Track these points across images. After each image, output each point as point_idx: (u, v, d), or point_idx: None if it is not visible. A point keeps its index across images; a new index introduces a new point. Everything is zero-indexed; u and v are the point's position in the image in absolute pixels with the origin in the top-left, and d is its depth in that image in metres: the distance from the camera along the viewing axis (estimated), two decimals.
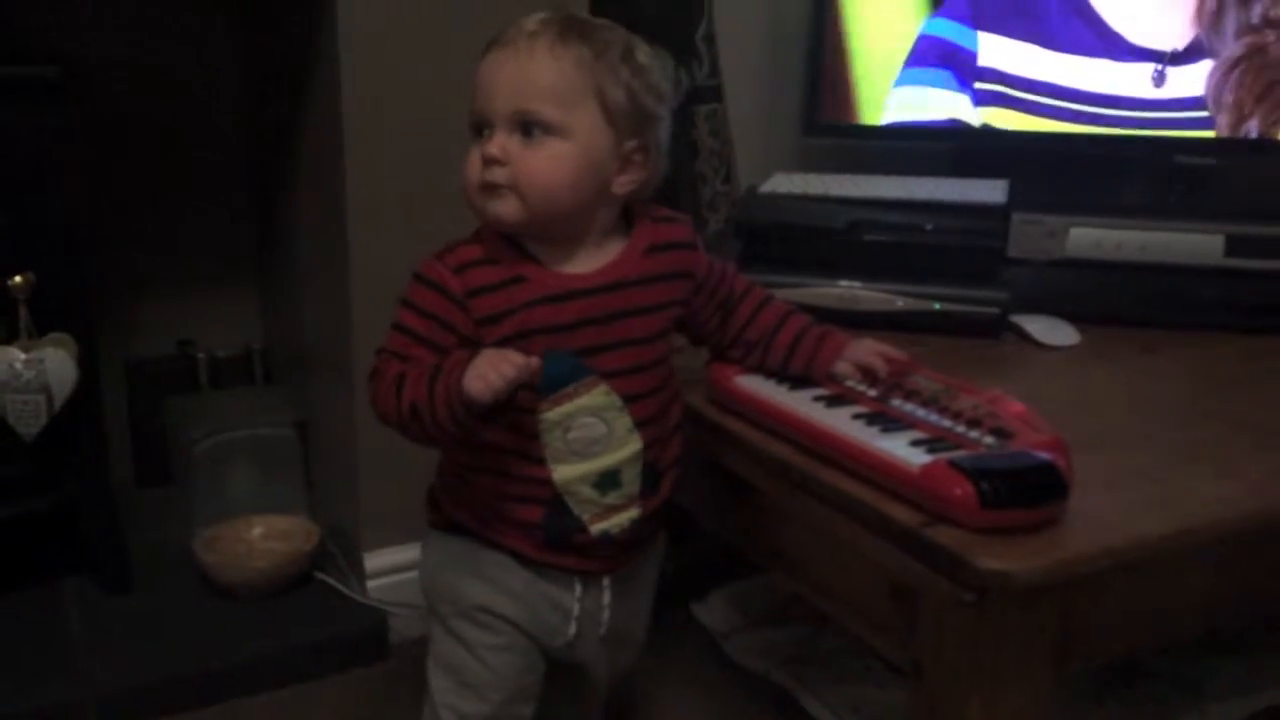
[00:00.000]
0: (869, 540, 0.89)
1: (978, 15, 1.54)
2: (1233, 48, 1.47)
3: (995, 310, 1.32)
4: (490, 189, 0.93)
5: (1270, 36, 1.45)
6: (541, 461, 0.96)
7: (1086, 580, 0.84)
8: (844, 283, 1.32)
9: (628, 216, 1.00)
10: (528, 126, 0.91)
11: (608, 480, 0.96)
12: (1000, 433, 0.89)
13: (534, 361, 0.89)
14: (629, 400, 0.96)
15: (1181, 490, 0.92)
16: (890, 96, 1.59)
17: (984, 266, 1.35)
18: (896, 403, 0.98)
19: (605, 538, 0.98)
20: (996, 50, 1.55)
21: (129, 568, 1.52)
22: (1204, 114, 1.49)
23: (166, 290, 1.79)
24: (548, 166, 0.91)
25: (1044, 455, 0.85)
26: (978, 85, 1.56)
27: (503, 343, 0.92)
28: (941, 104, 1.58)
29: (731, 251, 1.37)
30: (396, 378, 0.92)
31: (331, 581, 1.55)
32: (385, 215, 1.41)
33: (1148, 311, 1.38)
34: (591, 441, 0.95)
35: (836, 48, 1.59)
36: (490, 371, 0.87)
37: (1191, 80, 1.49)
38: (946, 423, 0.92)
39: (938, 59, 1.56)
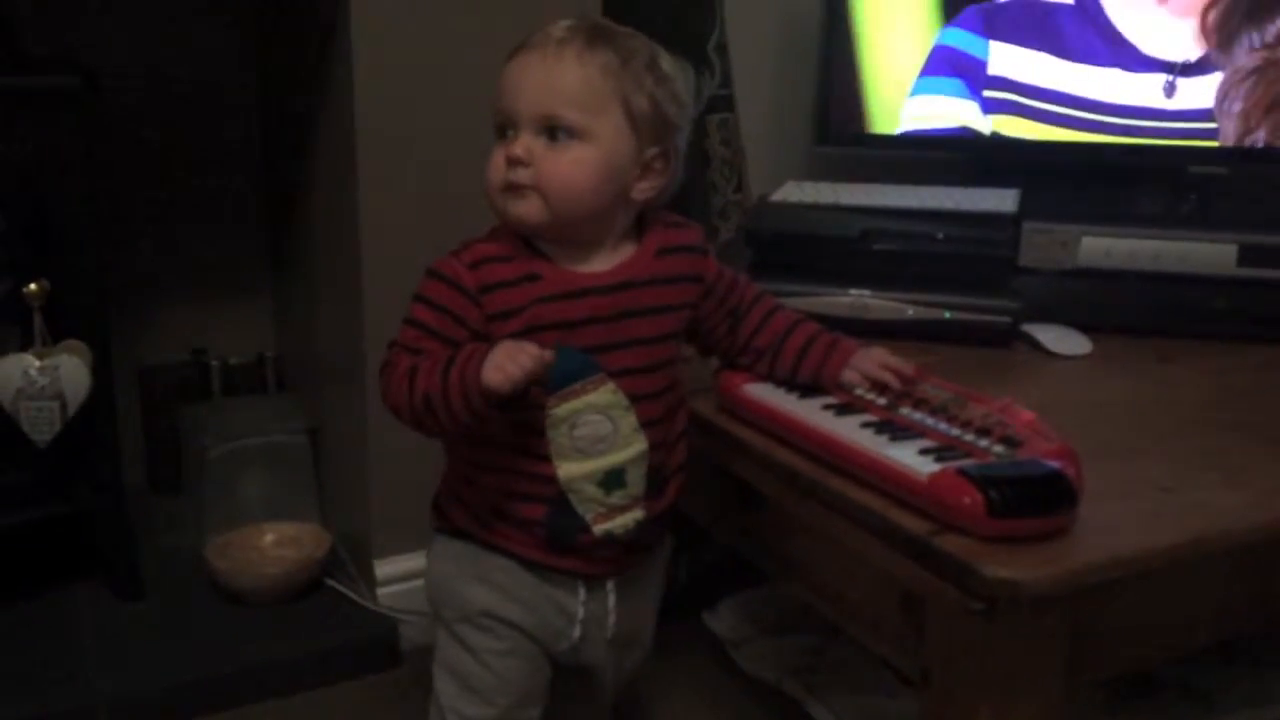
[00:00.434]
0: (878, 549, 0.89)
1: (991, 25, 1.55)
2: (1244, 60, 1.47)
3: (1006, 319, 1.31)
4: (514, 189, 0.94)
5: None
6: (546, 458, 0.95)
7: (1096, 590, 0.83)
8: (854, 291, 1.32)
9: (639, 221, 1.01)
10: (553, 130, 0.92)
11: (612, 479, 0.96)
12: (1009, 441, 0.88)
13: (549, 354, 0.90)
14: (635, 400, 0.96)
15: (1192, 500, 0.92)
16: (905, 106, 1.59)
17: (995, 275, 1.35)
18: (905, 411, 0.97)
19: (609, 538, 0.98)
20: (1008, 59, 1.55)
21: (141, 574, 1.53)
22: (1215, 125, 1.49)
23: (180, 298, 1.81)
24: (571, 170, 0.92)
25: (1053, 464, 0.85)
26: (987, 94, 1.56)
27: (513, 338, 0.92)
28: (953, 113, 1.58)
29: (743, 260, 1.37)
30: (409, 370, 0.93)
31: (342, 588, 1.55)
32: (397, 223, 1.42)
33: (1160, 321, 1.38)
34: (597, 439, 0.95)
35: (848, 58, 1.59)
36: (508, 363, 0.88)
37: (1203, 91, 1.49)
38: (955, 431, 0.92)
39: (951, 69, 1.56)
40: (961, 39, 1.55)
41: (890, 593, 0.92)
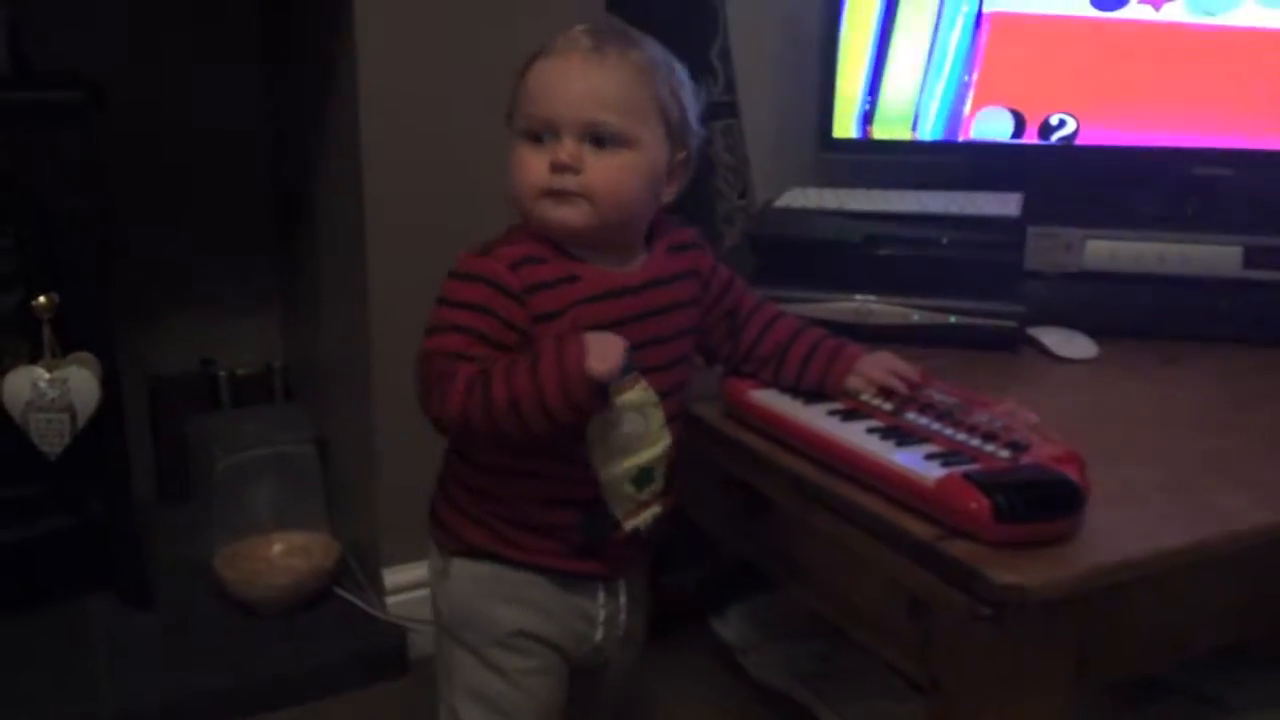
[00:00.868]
0: (885, 554, 0.89)
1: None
2: None
3: (1011, 323, 1.31)
4: (558, 195, 0.93)
5: None
6: (580, 462, 0.95)
7: (1104, 594, 0.83)
8: (859, 296, 1.32)
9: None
10: (600, 137, 0.92)
11: (644, 476, 0.97)
12: (1016, 446, 0.88)
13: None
14: (660, 397, 0.97)
15: (1200, 502, 0.92)
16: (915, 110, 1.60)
17: (1000, 279, 1.35)
18: (911, 416, 0.97)
19: (635, 534, 0.99)
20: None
21: (150, 584, 1.54)
22: (1220, 124, 1.49)
23: (188, 309, 1.81)
24: (621, 176, 0.92)
25: (1059, 468, 0.85)
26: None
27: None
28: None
29: (747, 265, 1.37)
30: (477, 376, 0.89)
31: (351, 597, 1.55)
32: (403, 234, 1.43)
33: (1166, 324, 1.37)
34: (635, 437, 0.96)
35: (850, 63, 1.60)
36: (609, 353, 0.88)
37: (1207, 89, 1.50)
38: (961, 436, 0.92)
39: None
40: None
41: (897, 598, 0.91)
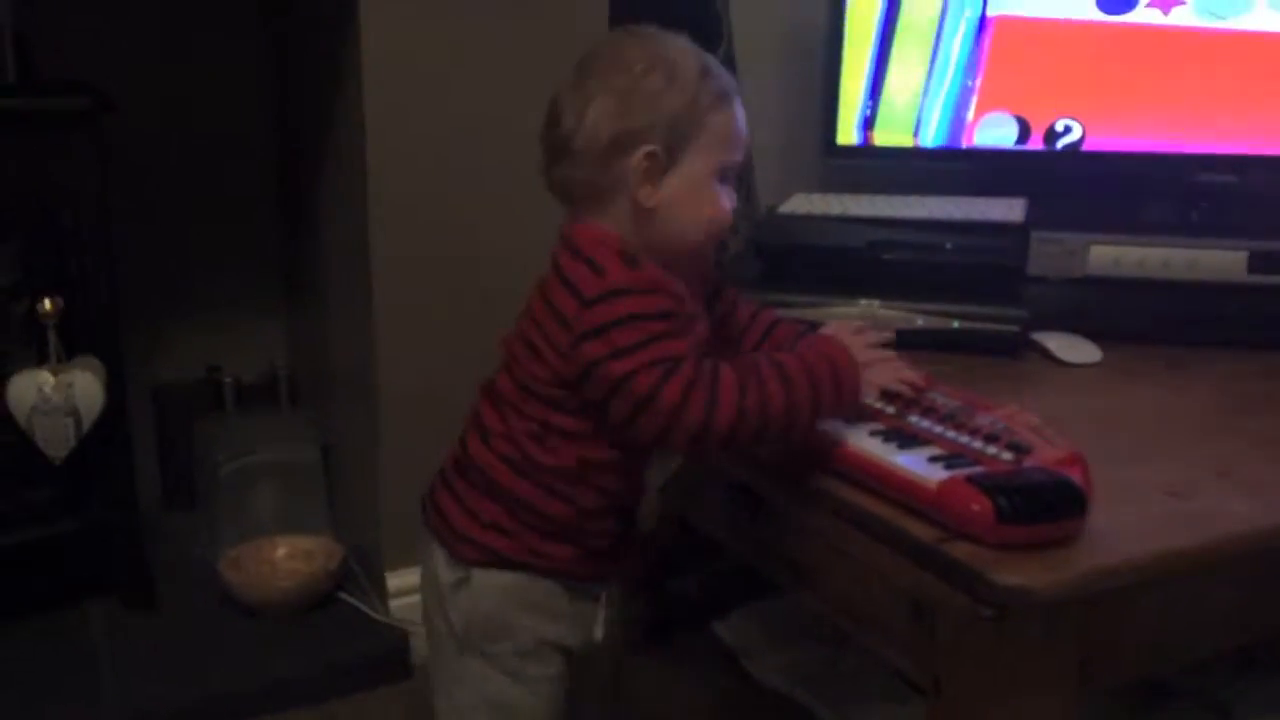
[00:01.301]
0: (887, 557, 0.89)
1: None
2: None
3: (1015, 328, 1.31)
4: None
5: None
6: (635, 474, 0.98)
7: (1107, 596, 0.83)
8: (864, 301, 1.32)
9: None
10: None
11: (666, 484, 1.03)
12: (1018, 448, 0.88)
13: None
14: None
15: (1204, 506, 0.91)
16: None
17: (1004, 284, 1.35)
18: (914, 419, 0.97)
19: (644, 533, 1.02)
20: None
21: (155, 588, 1.54)
22: (1226, 130, 1.49)
23: (194, 315, 1.82)
24: None
25: (1062, 470, 0.85)
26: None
27: None
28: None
29: (752, 271, 1.37)
30: (746, 377, 0.89)
31: (354, 601, 1.56)
32: (408, 242, 1.43)
33: (1170, 329, 1.37)
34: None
35: (856, 72, 1.60)
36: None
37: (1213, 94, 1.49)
38: (964, 439, 0.92)
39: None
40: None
41: (900, 600, 0.91)
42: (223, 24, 1.73)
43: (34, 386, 1.36)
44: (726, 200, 0.97)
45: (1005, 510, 0.81)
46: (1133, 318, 1.38)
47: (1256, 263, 1.36)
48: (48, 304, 1.39)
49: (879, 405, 1.01)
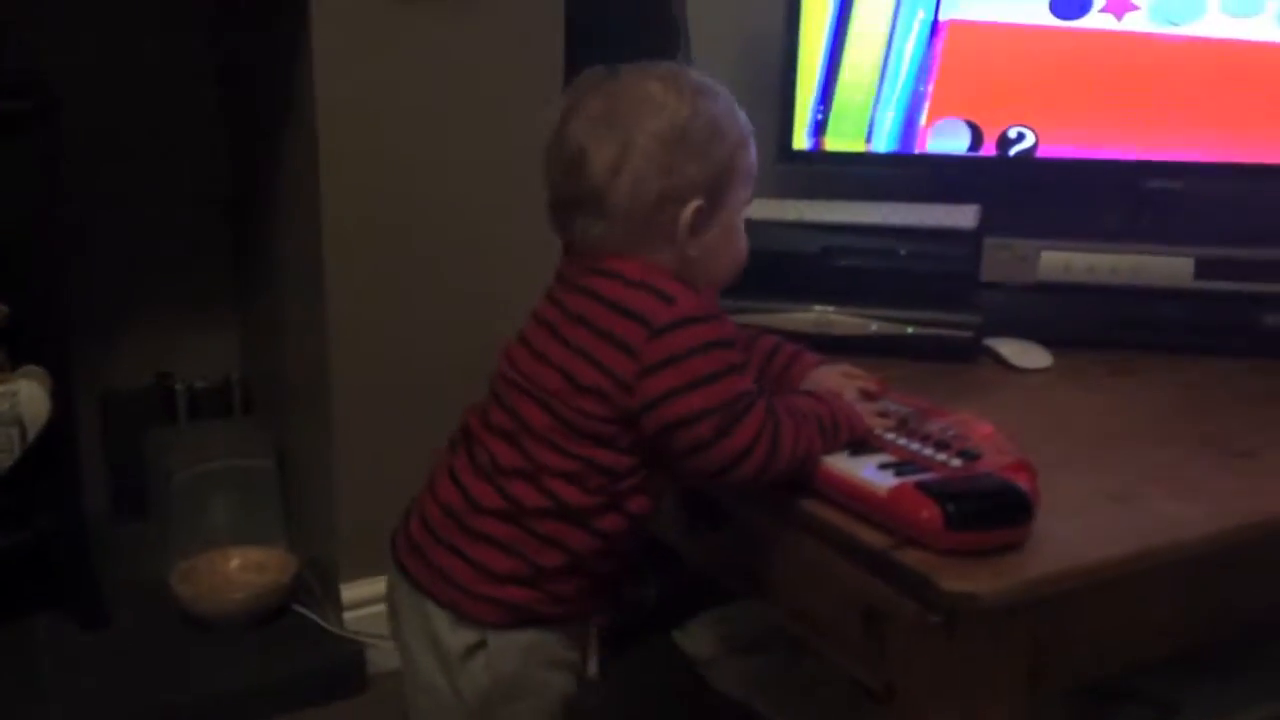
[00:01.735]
0: (839, 564, 0.89)
1: None
2: None
3: (968, 334, 1.32)
4: None
5: None
6: (655, 494, 0.96)
7: (1054, 601, 0.84)
8: (818, 307, 1.33)
9: None
10: None
11: None
12: (967, 455, 0.89)
13: None
14: None
15: (1147, 511, 0.93)
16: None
17: (957, 290, 1.36)
18: None
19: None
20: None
21: (104, 601, 1.52)
22: (1173, 137, 1.51)
23: (145, 321, 1.79)
24: None
25: (1009, 477, 0.85)
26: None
27: None
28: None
29: None
30: (799, 427, 0.91)
31: (309, 613, 1.54)
32: (362, 246, 1.42)
33: (1119, 334, 1.39)
34: None
35: (808, 75, 1.61)
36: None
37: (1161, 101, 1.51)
38: (915, 446, 0.93)
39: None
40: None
41: (853, 607, 0.91)
42: (174, 25, 1.71)
43: None
44: (744, 232, 0.97)
45: (953, 517, 0.81)
46: (1083, 323, 1.40)
47: (1203, 269, 1.38)
48: None
49: None
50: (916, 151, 1.60)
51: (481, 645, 0.95)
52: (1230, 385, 1.27)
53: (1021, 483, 0.85)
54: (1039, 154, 1.56)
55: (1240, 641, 1.44)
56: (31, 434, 1.37)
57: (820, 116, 1.62)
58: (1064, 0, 1.50)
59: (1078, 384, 1.28)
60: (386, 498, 1.47)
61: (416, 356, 1.48)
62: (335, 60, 1.36)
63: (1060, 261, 1.41)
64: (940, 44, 1.55)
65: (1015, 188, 1.56)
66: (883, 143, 1.60)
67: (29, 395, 1.36)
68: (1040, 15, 1.51)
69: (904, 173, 1.66)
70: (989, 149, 1.57)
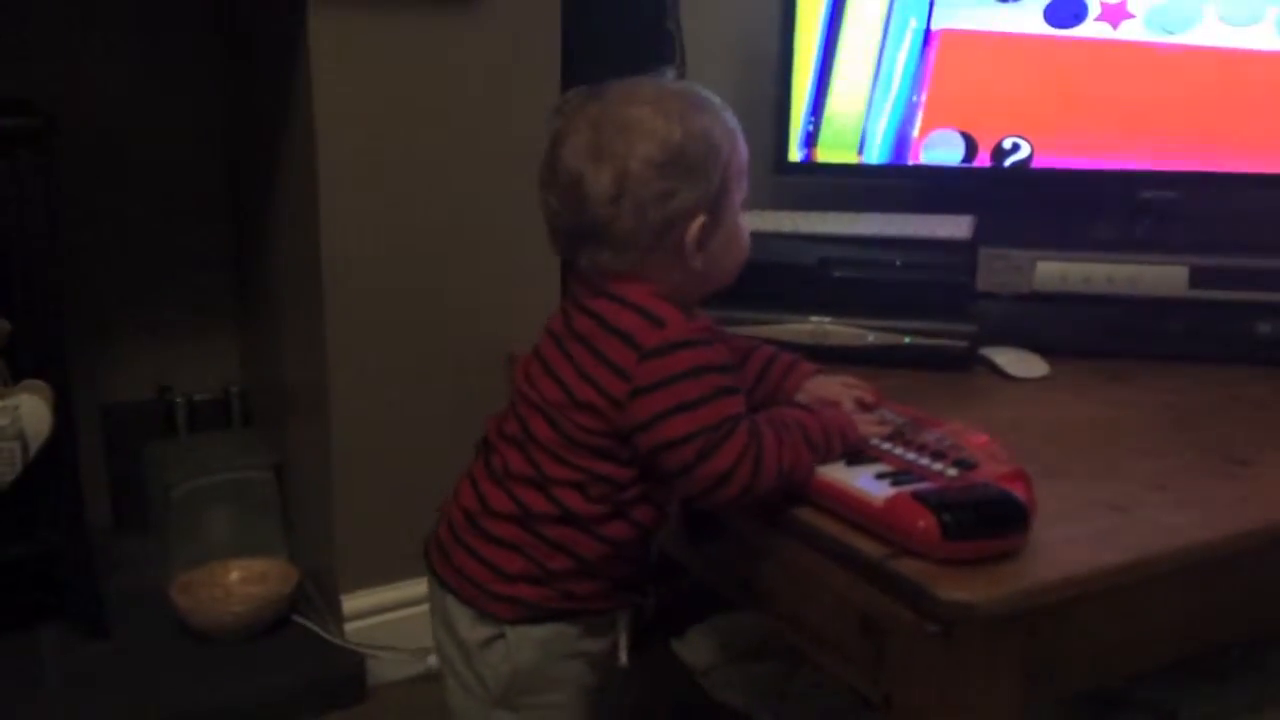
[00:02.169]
0: (837, 573, 0.90)
1: None
2: None
3: (964, 343, 1.33)
4: None
5: None
6: (661, 504, 0.98)
7: (1051, 609, 0.84)
8: (815, 318, 1.34)
9: None
10: None
11: None
12: (963, 464, 0.90)
13: None
14: None
15: (1144, 519, 0.93)
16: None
17: (952, 300, 1.37)
18: None
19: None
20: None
21: (106, 613, 1.52)
22: (1169, 147, 1.52)
23: (144, 335, 1.80)
24: None
25: (1006, 487, 0.86)
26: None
27: None
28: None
29: None
30: (783, 440, 0.92)
31: (309, 624, 1.54)
32: (360, 260, 1.43)
33: (1115, 343, 1.41)
34: None
35: (799, 86, 1.61)
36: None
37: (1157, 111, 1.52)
38: (911, 455, 0.93)
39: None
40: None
41: (850, 617, 0.92)
42: (173, 38, 1.72)
43: None
44: (745, 226, 0.98)
45: (950, 526, 0.82)
46: (1078, 332, 1.42)
47: (1198, 278, 1.39)
48: None
49: None
50: (910, 163, 1.60)
51: (500, 637, 0.98)
52: (1226, 393, 1.28)
53: (1018, 492, 0.86)
54: (1034, 165, 1.57)
55: (1238, 649, 1.45)
56: (33, 448, 1.37)
57: (811, 128, 1.62)
58: (1059, 8, 1.51)
59: (1074, 393, 1.29)
60: (385, 510, 1.49)
61: (415, 369, 1.48)
62: (333, 72, 1.36)
63: (1056, 271, 1.42)
64: (933, 54, 1.55)
65: (1010, 198, 1.57)
66: (875, 154, 1.61)
67: (30, 410, 1.36)
68: (1034, 24, 1.51)
69: (898, 184, 1.67)
70: (983, 160, 1.58)
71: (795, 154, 1.64)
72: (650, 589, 1.06)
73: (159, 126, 1.73)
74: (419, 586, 1.17)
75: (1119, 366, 1.36)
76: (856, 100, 1.59)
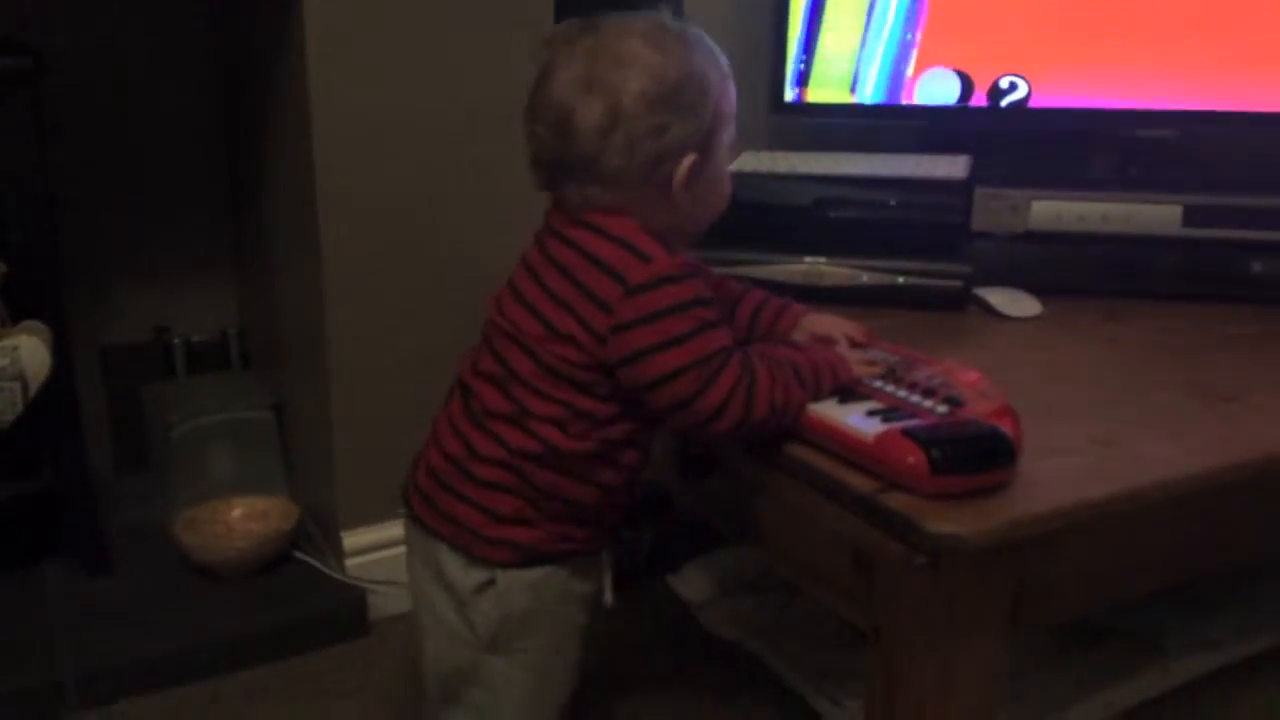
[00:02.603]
0: (828, 508, 0.91)
1: None
2: None
3: (958, 283, 1.34)
4: None
5: None
6: (646, 446, 0.99)
7: (1037, 541, 0.86)
8: (809, 259, 1.34)
9: None
10: None
11: None
12: (952, 402, 0.91)
13: None
14: None
15: (1130, 453, 0.95)
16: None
17: (947, 241, 1.37)
18: None
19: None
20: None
21: (109, 551, 1.54)
22: (1164, 85, 1.51)
23: (142, 276, 1.80)
24: None
25: (994, 423, 0.87)
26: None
27: None
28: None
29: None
30: (777, 377, 0.92)
31: (311, 560, 1.57)
32: (355, 198, 1.43)
33: (1108, 282, 1.41)
34: None
35: (791, 24, 1.60)
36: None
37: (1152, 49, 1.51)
38: (902, 393, 0.94)
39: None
40: None
41: (842, 551, 0.94)
42: None
43: None
44: (728, 171, 0.98)
45: (938, 461, 0.83)
46: (1073, 271, 1.42)
47: (1192, 216, 1.39)
48: None
49: None
50: (903, 102, 1.59)
51: (491, 583, 0.98)
52: (1218, 331, 1.29)
53: (1005, 428, 0.87)
54: (1032, 104, 1.56)
55: (1223, 579, 1.47)
56: (33, 389, 1.38)
57: (803, 66, 1.61)
58: None
59: (1067, 332, 1.30)
60: (383, 447, 1.50)
61: (411, 307, 1.49)
62: (325, 11, 1.35)
63: (1052, 211, 1.42)
64: None
65: (1005, 138, 1.56)
66: (868, 94, 1.60)
67: (30, 350, 1.37)
68: None
69: (891, 124, 1.66)
70: (979, 99, 1.57)
71: (789, 94, 1.63)
72: (633, 524, 1.07)
73: (155, 66, 1.72)
74: None
75: (1112, 306, 1.36)
76: (849, 38, 1.58)
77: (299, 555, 1.58)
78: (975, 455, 0.85)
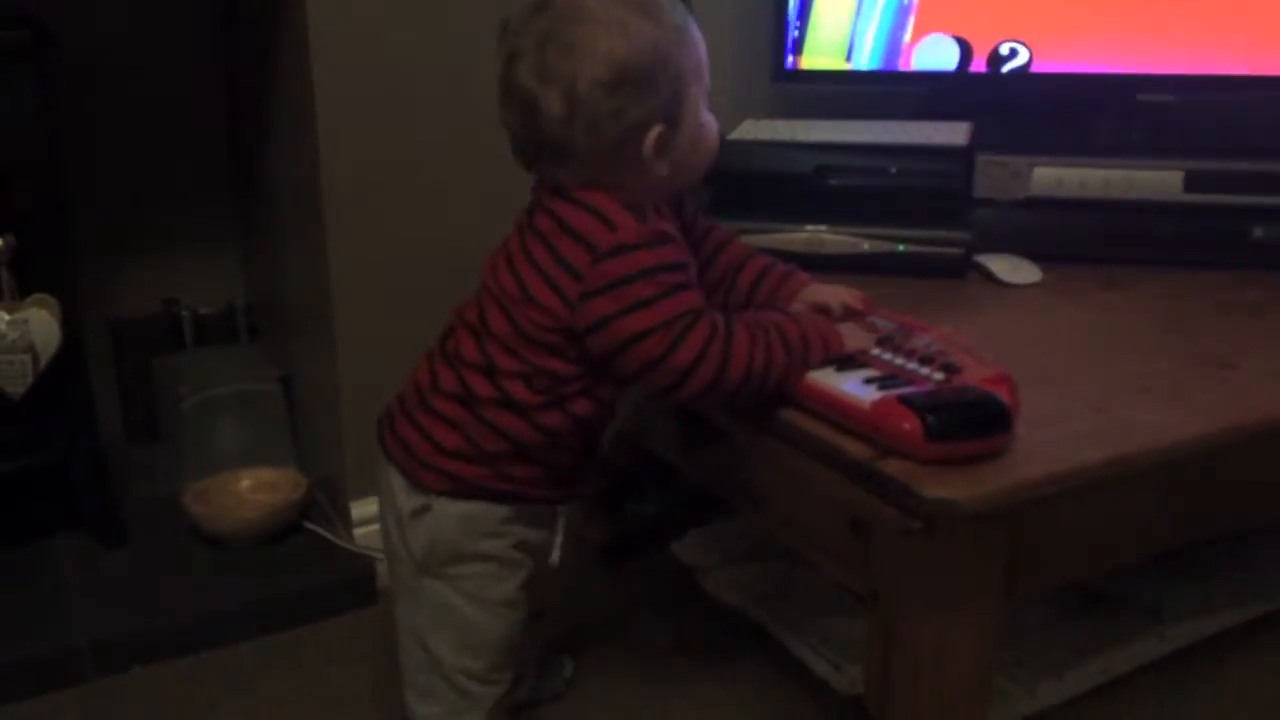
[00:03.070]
0: (826, 475, 0.92)
1: None
2: None
3: (959, 250, 1.34)
4: None
5: None
6: (604, 401, 1.00)
7: (1031, 507, 0.87)
8: (810, 227, 1.35)
9: None
10: None
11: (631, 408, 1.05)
12: (949, 368, 0.92)
13: None
14: None
15: (1126, 420, 0.96)
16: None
17: (948, 207, 1.37)
18: None
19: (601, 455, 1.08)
20: None
21: (121, 521, 1.56)
22: (1165, 50, 1.50)
23: (150, 249, 1.81)
24: None
25: (990, 389, 0.88)
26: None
27: None
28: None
29: (702, 198, 1.39)
30: (756, 339, 0.93)
31: (319, 530, 1.59)
32: (359, 170, 1.43)
33: (1109, 248, 1.41)
34: None
35: None
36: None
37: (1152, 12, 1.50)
38: (899, 360, 0.95)
39: None
40: None
41: (840, 517, 0.95)
42: None
43: None
44: (711, 120, 0.99)
45: (934, 428, 0.84)
46: (1074, 238, 1.42)
47: (1192, 182, 1.39)
48: (0, 241, 1.38)
49: None
50: (900, 69, 1.59)
51: (428, 509, 1.02)
52: (1218, 298, 1.29)
53: (1002, 394, 0.88)
54: (1033, 70, 1.55)
55: (1220, 545, 1.49)
56: (44, 361, 1.39)
57: (797, 33, 1.60)
58: None
59: (1067, 298, 1.30)
60: None
61: (416, 277, 1.50)
62: None
63: (1052, 177, 1.42)
64: None
65: (1005, 104, 1.56)
66: (864, 60, 1.59)
67: (40, 323, 1.38)
68: None
69: (889, 90, 1.65)
70: (979, 65, 1.56)
71: (792, 62, 1.62)
72: (589, 481, 1.09)
73: (161, 40, 1.72)
74: None
75: (1113, 272, 1.37)
76: (844, 3, 1.57)
77: (308, 525, 1.59)
78: (971, 421, 0.86)
